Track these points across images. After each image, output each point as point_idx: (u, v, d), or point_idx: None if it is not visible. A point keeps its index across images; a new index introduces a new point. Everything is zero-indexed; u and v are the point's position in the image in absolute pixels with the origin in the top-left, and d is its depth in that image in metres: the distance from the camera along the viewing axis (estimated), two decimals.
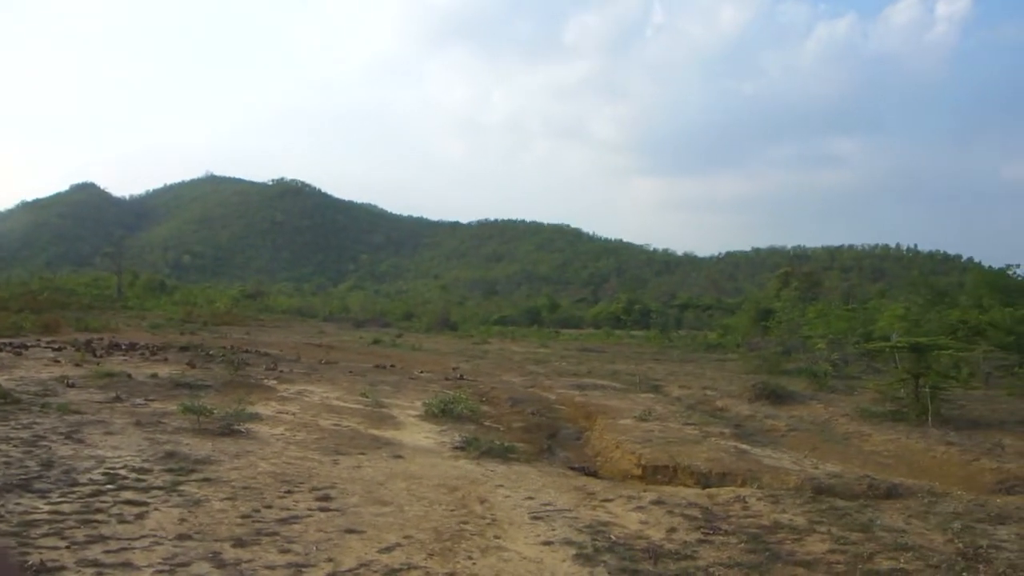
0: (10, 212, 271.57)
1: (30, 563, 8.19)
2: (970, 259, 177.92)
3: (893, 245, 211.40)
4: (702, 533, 10.81)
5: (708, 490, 14.40)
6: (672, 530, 10.96)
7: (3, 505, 10.30)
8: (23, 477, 11.78)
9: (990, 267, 74.21)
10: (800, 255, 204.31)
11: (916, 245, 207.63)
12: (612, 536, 10.52)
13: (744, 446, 19.23)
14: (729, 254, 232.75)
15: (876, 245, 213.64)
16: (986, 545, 10.29)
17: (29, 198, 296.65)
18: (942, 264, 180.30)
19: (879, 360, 40.22)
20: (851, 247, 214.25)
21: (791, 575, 9.13)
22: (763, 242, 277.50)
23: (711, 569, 9.25)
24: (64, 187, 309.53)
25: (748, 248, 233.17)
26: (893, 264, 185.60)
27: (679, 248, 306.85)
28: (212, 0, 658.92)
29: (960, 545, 10.32)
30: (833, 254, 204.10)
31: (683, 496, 13.41)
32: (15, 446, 14.00)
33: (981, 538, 10.69)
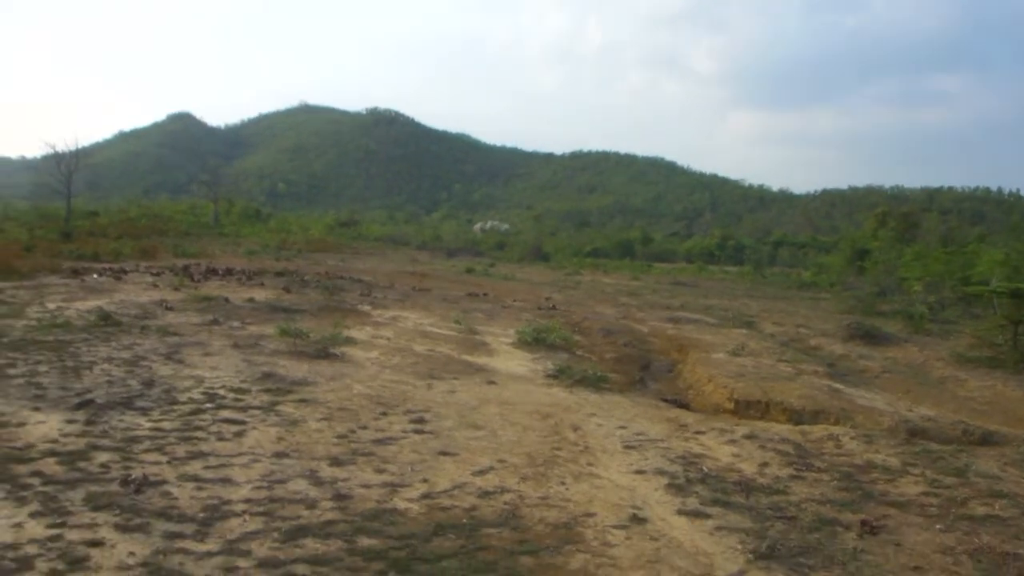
0: (109, 142, 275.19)
1: (133, 476, 8.39)
2: None
3: (995, 188, 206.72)
4: (794, 469, 10.78)
5: (801, 427, 14.31)
6: (764, 464, 10.94)
7: (107, 421, 10.57)
8: (125, 395, 12.09)
9: None
10: (898, 195, 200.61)
11: (1019, 189, 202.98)
12: (704, 468, 10.54)
13: (837, 385, 19.04)
14: (825, 191, 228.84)
15: (977, 188, 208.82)
16: None
17: (127, 128, 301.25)
18: None
19: (977, 305, 39.49)
20: (951, 189, 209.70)
21: (883, 515, 9.07)
22: (860, 180, 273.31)
23: (803, 504, 9.24)
24: (161, 117, 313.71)
25: (845, 186, 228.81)
26: (994, 208, 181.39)
27: (774, 184, 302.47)
28: None
29: None
30: (932, 195, 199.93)
31: (775, 432, 13.35)
32: (117, 366, 14.35)
33: None
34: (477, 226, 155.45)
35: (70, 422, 10.43)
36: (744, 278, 73.76)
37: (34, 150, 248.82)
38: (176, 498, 8.06)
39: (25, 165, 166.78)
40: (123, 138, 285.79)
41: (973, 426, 15.30)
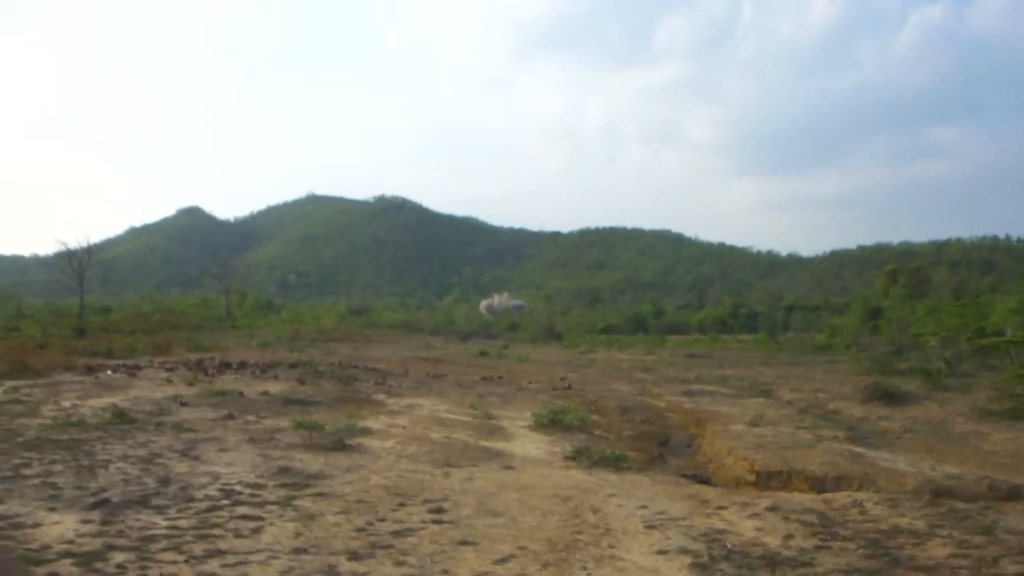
0: (120, 238, 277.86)
1: None
2: None
3: (1003, 236, 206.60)
4: (819, 539, 10.66)
5: (824, 495, 14.19)
6: (788, 536, 10.82)
7: (123, 520, 10.51)
8: (141, 493, 12.03)
9: None
10: (906, 251, 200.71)
11: None
12: (728, 544, 10.42)
13: (859, 449, 18.91)
14: (834, 253, 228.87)
15: (984, 237, 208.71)
16: None
17: (137, 224, 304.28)
18: None
19: (994, 356, 39.33)
20: (959, 240, 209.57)
21: None
22: (868, 239, 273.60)
23: (830, 575, 9.11)
24: (171, 212, 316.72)
25: (853, 246, 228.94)
26: (1003, 256, 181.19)
27: (783, 249, 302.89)
28: (303, 21, 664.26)
29: None
30: (940, 248, 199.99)
31: (798, 501, 13.24)
32: (133, 464, 14.30)
33: None
34: (483, 304, 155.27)
35: (85, 522, 10.37)
36: (758, 346, 73.69)
37: (46, 247, 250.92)
38: None
39: (38, 263, 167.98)
40: (134, 233, 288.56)
41: (999, 481, 15.16)
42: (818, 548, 10.28)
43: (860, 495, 13.68)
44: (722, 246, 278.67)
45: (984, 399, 25.95)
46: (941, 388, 30.21)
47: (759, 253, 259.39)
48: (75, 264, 66.67)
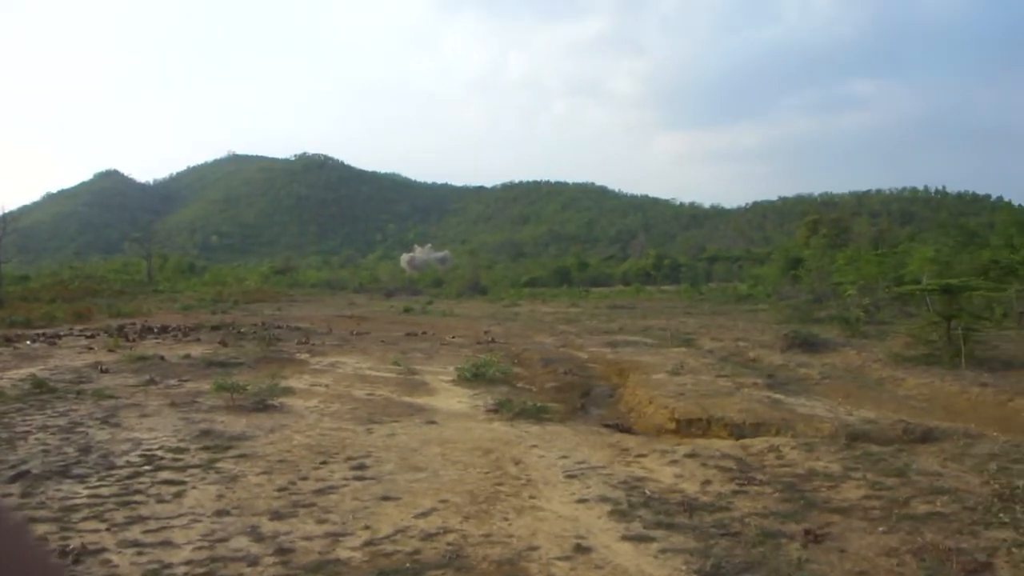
0: (37, 204, 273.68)
1: (71, 547, 8.27)
2: (1000, 198, 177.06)
3: (921, 187, 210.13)
4: (737, 484, 10.82)
5: (742, 441, 14.38)
6: (707, 482, 10.97)
7: (44, 492, 10.42)
8: (62, 463, 11.90)
9: (1020, 206, 73.79)
10: (827, 202, 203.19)
11: (944, 187, 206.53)
12: (647, 491, 10.54)
13: (777, 396, 19.19)
14: (756, 204, 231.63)
15: (904, 188, 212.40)
16: (1023, 485, 10.26)
17: (54, 189, 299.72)
18: (971, 205, 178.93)
19: (911, 304, 40.05)
20: (879, 191, 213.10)
21: (827, 522, 9.12)
22: (789, 190, 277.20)
23: (747, 519, 9.27)
24: (88, 176, 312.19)
25: (775, 197, 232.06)
26: (922, 207, 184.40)
27: (706, 201, 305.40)
28: None
29: (996, 486, 10.28)
30: (860, 199, 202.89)
31: (717, 448, 13.42)
32: (53, 434, 14.14)
33: (1018, 478, 10.63)
34: (405, 258, 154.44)
35: (5, 495, 10.24)
36: (681, 296, 74.43)
37: None
38: (116, 565, 7.92)
39: None
40: (51, 199, 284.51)
41: (913, 424, 15.43)
42: (735, 493, 10.43)
43: (777, 440, 13.89)
44: (646, 198, 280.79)
45: (900, 346, 26.40)
46: (859, 336, 30.71)
47: (682, 205, 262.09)
48: None
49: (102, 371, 22.25)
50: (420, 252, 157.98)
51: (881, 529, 8.83)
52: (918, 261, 46.25)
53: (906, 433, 14.77)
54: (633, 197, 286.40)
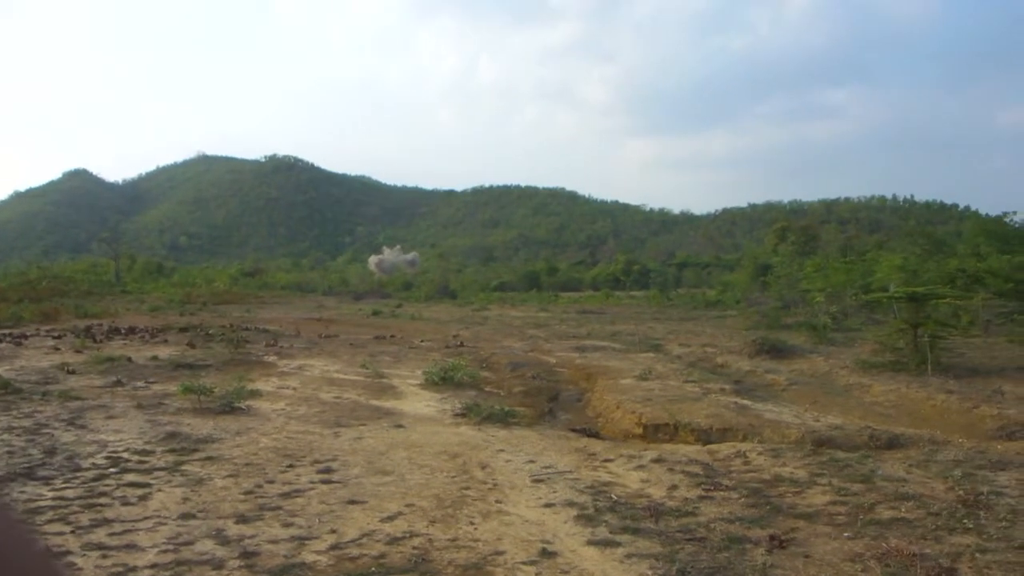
0: (4, 203, 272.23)
1: None
2: (967, 207, 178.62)
3: (889, 196, 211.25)
4: (703, 489, 10.86)
5: (709, 446, 14.42)
6: (673, 487, 11.01)
7: (7, 494, 10.34)
8: (26, 465, 11.84)
9: (987, 215, 74.36)
10: (796, 209, 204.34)
11: (912, 195, 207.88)
12: (613, 496, 10.57)
13: (745, 401, 19.27)
14: (726, 211, 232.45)
15: (872, 197, 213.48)
16: (987, 492, 10.34)
17: (22, 188, 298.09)
18: (939, 213, 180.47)
19: (878, 311, 40.30)
20: (847, 200, 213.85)
21: (792, 528, 9.17)
22: (759, 198, 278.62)
23: (712, 524, 9.31)
24: (56, 175, 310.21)
25: (744, 204, 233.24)
26: (890, 215, 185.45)
27: (675, 207, 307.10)
28: None
29: (961, 492, 10.36)
30: (829, 207, 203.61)
31: (684, 453, 13.46)
32: (17, 435, 14.06)
33: (982, 485, 10.74)
34: (373, 260, 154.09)
35: None
36: (650, 302, 74.46)
37: None
38: (80, 568, 7.88)
39: None
40: (18, 198, 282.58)
41: (879, 431, 15.54)
42: (701, 498, 10.47)
43: (744, 446, 13.93)
44: (615, 204, 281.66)
45: (867, 352, 26.62)
46: (827, 342, 30.88)
47: (652, 211, 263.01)
48: None
49: (68, 372, 22.14)
50: (389, 254, 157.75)
51: (846, 535, 8.88)
52: (886, 269, 46.48)
53: (872, 439, 14.87)
54: (603, 203, 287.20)
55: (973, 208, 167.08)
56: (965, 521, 9.16)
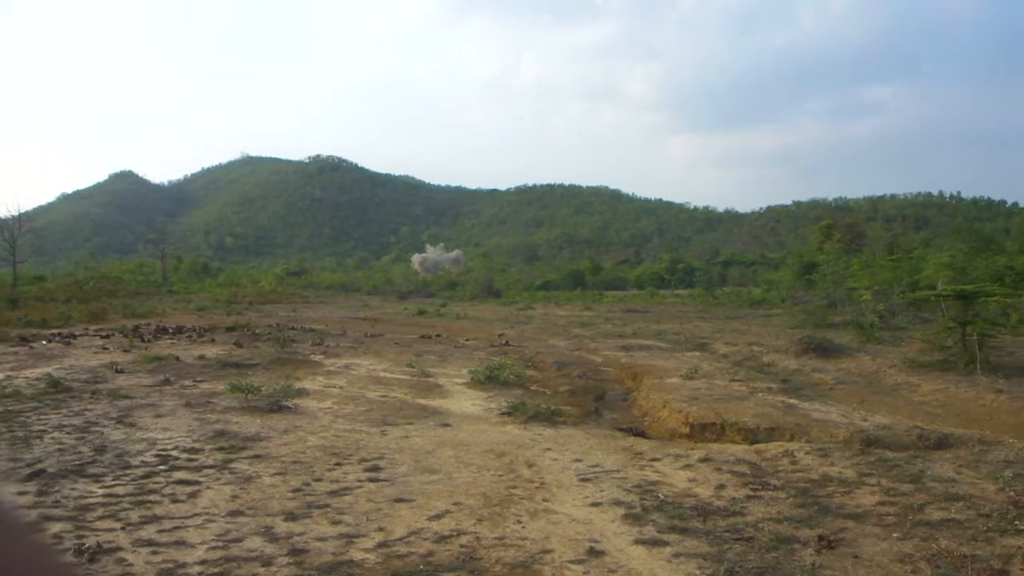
0: (52, 205, 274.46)
1: (87, 545, 8.30)
2: (1015, 204, 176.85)
3: (936, 193, 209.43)
4: (751, 489, 10.81)
5: (756, 446, 14.34)
6: (721, 487, 10.96)
7: (59, 490, 10.45)
8: (77, 463, 11.95)
9: None
10: (842, 207, 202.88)
11: (959, 192, 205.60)
12: (660, 495, 10.54)
13: (791, 400, 19.16)
14: (770, 208, 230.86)
15: (919, 193, 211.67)
16: None
17: (69, 190, 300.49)
18: (987, 210, 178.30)
19: (925, 310, 39.89)
20: (893, 196, 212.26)
21: (841, 528, 9.10)
22: (804, 195, 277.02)
23: (760, 524, 9.26)
24: (103, 177, 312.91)
25: (789, 202, 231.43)
26: (936, 212, 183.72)
27: (719, 205, 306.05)
28: None
29: (1012, 493, 10.26)
30: (875, 204, 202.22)
31: (731, 453, 13.39)
32: (68, 433, 14.20)
33: None
34: (417, 259, 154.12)
35: (21, 493, 10.28)
36: (695, 300, 74.17)
37: None
38: (131, 564, 7.94)
39: None
40: (66, 200, 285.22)
41: (928, 431, 15.41)
42: (749, 498, 10.42)
43: (792, 445, 13.84)
44: (659, 202, 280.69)
45: (915, 351, 26.32)
46: (874, 341, 30.59)
47: (696, 209, 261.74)
48: (6, 233, 65.88)
49: (117, 371, 22.33)
50: (432, 252, 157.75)
51: (896, 535, 8.80)
52: (933, 266, 46.07)
53: (921, 439, 14.75)
54: (647, 201, 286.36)
55: (1021, 204, 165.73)
56: (1016, 523, 9.05)
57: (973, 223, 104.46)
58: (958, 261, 46.68)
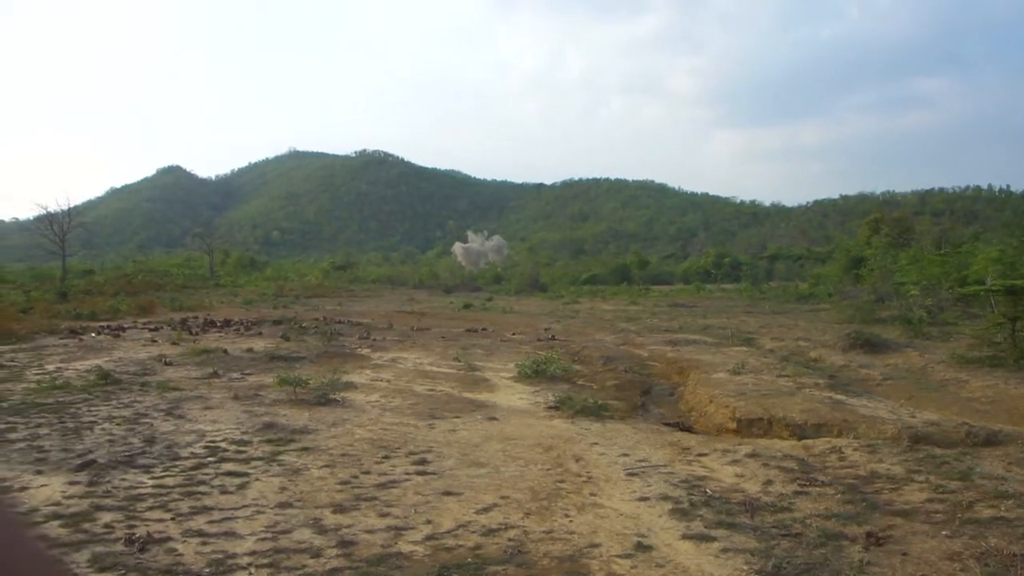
0: (100, 199, 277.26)
1: (137, 535, 8.38)
2: None
3: (985, 186, 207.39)
4: (798, 485, 10.76)
5: (804, 441, 14.28)
6: (768, 482, 10.93)
7: (109, 481, 10.55)
8: (127, 454, 12.07)
9: None
10: (890, 201, 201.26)
11: (1009, 185, 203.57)
12: (708, 490, 10.52)
13: (839, 396, 19.03)
14: (817, 203, 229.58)
15: (967, 187, 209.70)
16: None
17: (118, 184, 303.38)
18: None
19: (974, 305, 39.49)
20: (942, 190, 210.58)
21: (889, 525, 9.05)
22: (851, 189, 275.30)
23: (808, 520, 9.22)
24: (151, 171, 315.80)
25: (836, 196, 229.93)
26: (985, 206, 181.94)
27: (766, 199, 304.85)
28: None
29: None
30: (923, 198, 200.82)
31: (778, 448, 13.35)
32: (118, 424, 14.35)
33: None
34: (459, 247, 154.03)
35: (72, 484, 10.40)
36: (742, 295, 73.86)
37: (27, 211, 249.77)
38: (181, 554, 8.02)
39: (18, 227, 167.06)
40: (114, 194, 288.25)
41: (977, 427, 15.26)
42: (797, 493, 10.38)
43: (839, 441, 13.79)
44: (705, 196, 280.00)
45: (964, 347, 26.07)
46: (922, 336, 30.36)
47: (742, 203, 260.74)
48: (56, 227, 66.62)
49: (166, 363, 22.56)
50: (474, 241, 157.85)
51: (944, 533, 8.75)
52: (982, 261, 45.47)
53: (970, 436, 14.61)
54: (693, 195, 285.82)
55: None
56: None
57: (1023, 217, 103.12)
58: (1008, 256, 46.08)
